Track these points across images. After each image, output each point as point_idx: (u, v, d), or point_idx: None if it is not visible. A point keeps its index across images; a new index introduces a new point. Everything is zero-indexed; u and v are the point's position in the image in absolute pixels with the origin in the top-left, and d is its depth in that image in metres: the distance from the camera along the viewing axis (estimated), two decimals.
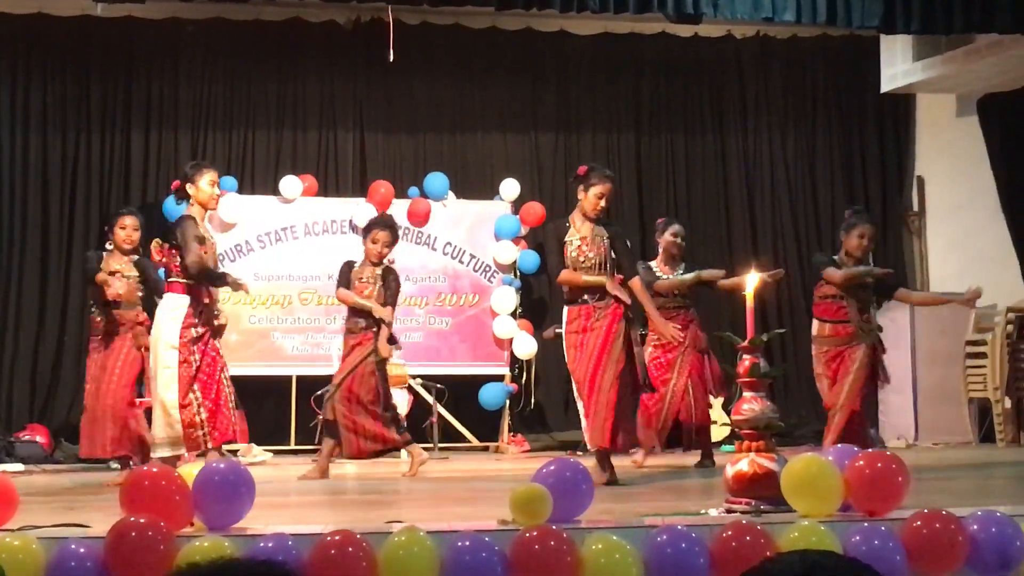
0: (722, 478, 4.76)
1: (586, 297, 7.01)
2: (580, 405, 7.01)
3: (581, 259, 7.01)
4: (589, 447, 7.14)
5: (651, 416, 8.19)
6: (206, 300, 7.09)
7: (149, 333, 7.26)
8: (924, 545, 3.97)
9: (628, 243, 7.37)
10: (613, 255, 7.08)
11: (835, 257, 7.77)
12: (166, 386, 6.97)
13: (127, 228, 7.62)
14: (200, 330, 7.01)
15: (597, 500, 4.34)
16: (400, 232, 10.72)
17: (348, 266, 8.10)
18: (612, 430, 6.84)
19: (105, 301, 7.47)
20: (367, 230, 8.09)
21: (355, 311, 7.90)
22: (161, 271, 7.52)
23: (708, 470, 7.95)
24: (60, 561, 3.63)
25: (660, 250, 8.60)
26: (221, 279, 7.15)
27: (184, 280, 7.04)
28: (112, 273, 7.54)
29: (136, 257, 7.68)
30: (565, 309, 7.11)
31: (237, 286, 7.10)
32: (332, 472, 8.01)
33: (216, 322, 7.20)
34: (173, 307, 7.01)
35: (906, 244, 11.91)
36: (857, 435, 7.27)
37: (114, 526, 3.69)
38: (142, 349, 7.43)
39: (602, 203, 7.09)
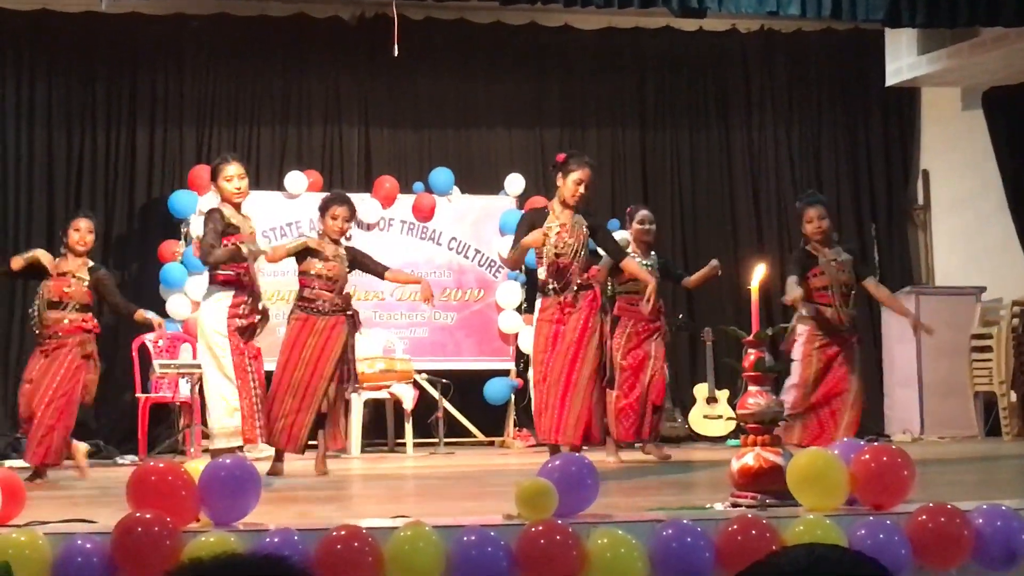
0: (727, 472, 4.77)
1: (552, 287, 7.00)
2: (535, 395, 7.03)
3: (560, 246, 7.01)
4: (551, 440, 7.01)
5: (630, 411, 8.17)
6: (248, 295, 7.15)
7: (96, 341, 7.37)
8: (929, 539, 3.97)
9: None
10: (592, 245, 7.09)
11: (807, 248, 7.60)
12: (223, 375, 7.01)
13: (81, 231, 7.47)
14: (244, 322, 7.06)
15: (602, 494, 4.34)
16: (405, 227, 10.79)
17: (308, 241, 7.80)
18: (586, 428, 6.88)
19: (50, 302, 7.41)
20: (324, 208, 7.62)
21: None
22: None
23: (713, 465, 7.94)
24: (67, 556, 3.64)
25: (631, 239, 8.54)
26: (235, 253, 7.06)
27: (225, 272, 7.10)
28: (63, 275, 7.46)
29: (92, 263, 7.60)
30: (539, 299, 7.13)
31: (252, 254, 7.13)
32: (337, 467, 8.02)
33: (257, 317, 7.24)
34: (217, 298, 7.11)
35: (911, 237, 11.90)
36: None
37: (120, 521, 3.70)
38: (90, 359, 7.38)
39: (581, 189, 7.07)
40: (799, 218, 7.66)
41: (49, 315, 7.43)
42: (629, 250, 8.22)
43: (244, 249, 7.07)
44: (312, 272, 7.46)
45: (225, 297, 7.08)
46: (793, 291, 7.18)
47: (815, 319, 7.45)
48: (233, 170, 7.14)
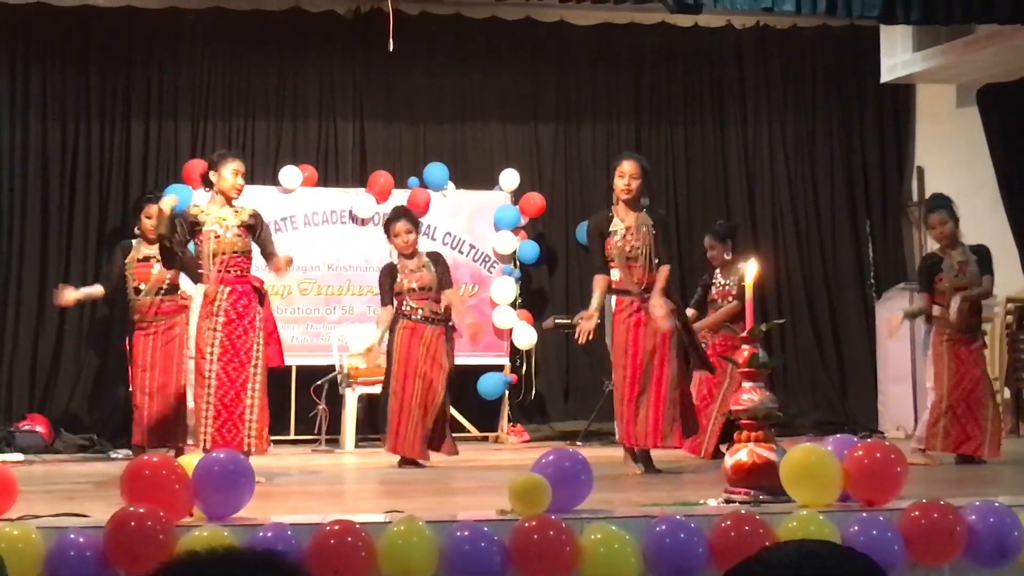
0: (721, 468, 4.77)
1: (628, 288, 7.03)
2: (618, 397, 7.02)
3: (628, 249, 7.02)
4: (649, 445, 7.03)
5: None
6: (216, 290, 6.85)
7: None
8: (922, 535, 3.97)
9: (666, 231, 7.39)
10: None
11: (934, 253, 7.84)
12: (190, 377, 7.11)
13: (153, 216, 7.61)
14: (216, 320, 6.83)
15: (596, 490, 4.35)
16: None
17: (388, 270, 8.10)
18: (680, 426, 7.00)
19: (136, 288, 7.83)
20: (386, 230, 8.14)
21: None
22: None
23: (706, 461, 7.94)
24: (59, 550, 3.63)
25: None
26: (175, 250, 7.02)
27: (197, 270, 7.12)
28: (145, 260, 7.92)
29: None
30: (613, 297, 7.14)
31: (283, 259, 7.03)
32: (330, 462, 8.02)
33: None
34: (195, 298, 7.15)
35: (906, 234, 11.90)
36: None
37: (113, 515, 3.70)
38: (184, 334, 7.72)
39: (623, 182, 7.06)
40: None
41: (142, 300, 7.92)
42: None
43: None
44: (403, 291, 7.92)
45: (196, 296, 7.14)
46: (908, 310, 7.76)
47: (938, 319, 7.63)
48: (238, 165, 7.10)
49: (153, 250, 7.83)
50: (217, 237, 6.84)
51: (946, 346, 7.59)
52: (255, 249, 7.03)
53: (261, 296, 6.94)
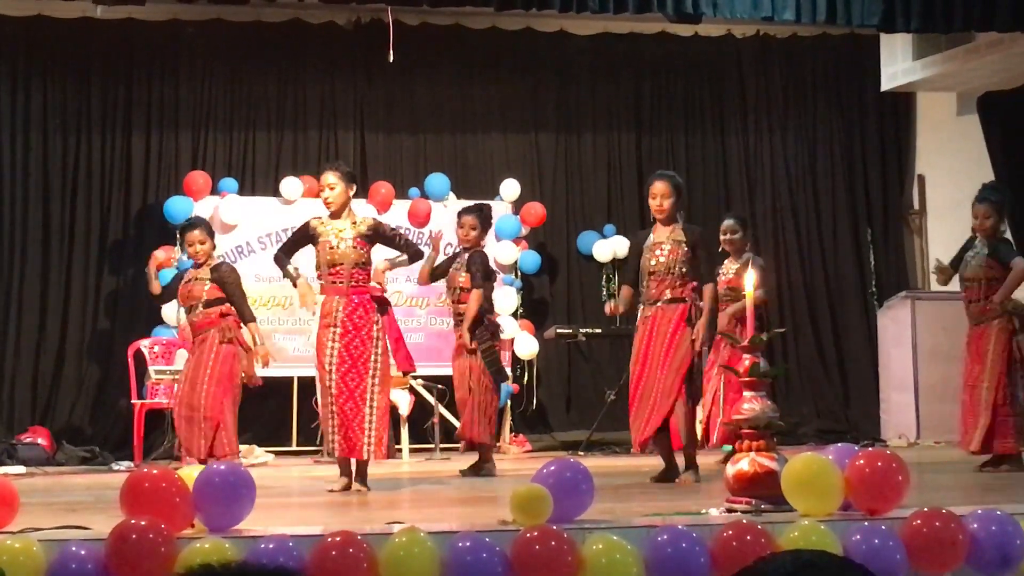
0: (723, 478, 4.77)
1: (647, 300, 7.08)
2: (631, 402, 7.10)
3: (652, 262, 7.07)
4: (638, 449, 7.22)
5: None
6: (332, 301, 7.00)
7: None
8: (924, 544, 3.97)
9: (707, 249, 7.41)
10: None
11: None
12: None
13: (193, 244, 7.88)
14: (334, 331, 6.90)
15: (597, 500, 4.35)
16: (416, 230, 10.74)
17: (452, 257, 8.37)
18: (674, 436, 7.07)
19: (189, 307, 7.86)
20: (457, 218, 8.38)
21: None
22: None
23: (708, 471, 7.94)
24: (61, 563, 3.63)
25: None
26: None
27: None
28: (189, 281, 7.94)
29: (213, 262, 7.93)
30: (640, 308, 7.21)
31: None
32: (331, 473, 8.01)
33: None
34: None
35: (907, 242, 11.90)
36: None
37: (115, 528, 3.70)
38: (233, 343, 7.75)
39: (656, 203, 7.16)
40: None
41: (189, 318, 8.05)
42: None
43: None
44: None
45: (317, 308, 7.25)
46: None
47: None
48: (324, 177, 7.04)
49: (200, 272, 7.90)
50: (331, 248, 6.85)
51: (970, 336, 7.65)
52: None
53: (382, 305, 6.94)
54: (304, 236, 7.03)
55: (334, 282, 6.82)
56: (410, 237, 8.16)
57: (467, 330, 7.95)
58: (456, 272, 8.10)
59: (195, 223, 8.08)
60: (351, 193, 6.97)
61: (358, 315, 6.77)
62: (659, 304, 7.03)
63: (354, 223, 6.91)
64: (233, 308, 7.75)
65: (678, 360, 6.96)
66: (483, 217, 8.26)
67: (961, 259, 7.71)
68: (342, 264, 6.80)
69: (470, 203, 10.95)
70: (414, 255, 7.18)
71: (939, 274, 7.84)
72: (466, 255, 8.11)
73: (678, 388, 6.94)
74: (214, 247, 8.00)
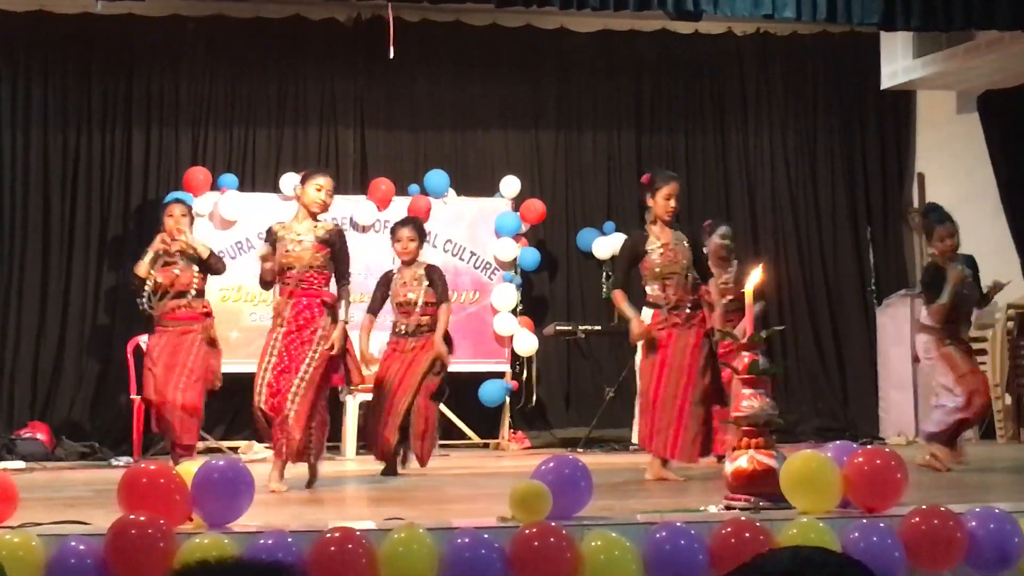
0: (722, 475, 4.77)
1: (663, 304, 7.05)
2: (643, 410, 7.07)
3: (668, 265, 7.05)
4: (667, 456, 7.08)
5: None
6: (285, 302, 7.03)
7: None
8: (923, 541, 3.97)
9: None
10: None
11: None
12: None
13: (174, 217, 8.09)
14: (279, 331, 6.93)
15: (596, 497, 4.35)
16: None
17: (384, 278, 8.14)
18: (702, 444, 7.04)
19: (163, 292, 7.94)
20: (392, 233, 8.15)
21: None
22: None
23: (707, 468, 7.94)
24: (60, 558, 3.64)
25: (709, 253, 8.51)
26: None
27: None
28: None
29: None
30: (650, 311, 7.13)
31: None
32: (331, 469, 8.02)
33: None
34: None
35: (906, 241, 11.90)
36: None
37: (114, 523, 3.70)
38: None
39: (671, 203, 7.15)
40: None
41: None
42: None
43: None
44: (393, 302, 8.05)
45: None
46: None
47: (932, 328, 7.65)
48: (323, 182, 7.09)
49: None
50: (287, 252, 6.89)
51: (952, 347, 7.58)
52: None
53: (332, 311, 6.91)
54: (272, 242, 7.02)
55: (286, 283, 6.91)
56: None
57: (442, 342, 7.88)
58: (405, 287, 7.94)
59: (181, 200, 8.30)
60: (328, 205, 7.12)
61: (304, 316, 6.79)
62: (682, 311, 7.03)
63: (315, 227, 6.97)
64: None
65: (708, 376, 7.00)
66: (419, 229, 8.17)
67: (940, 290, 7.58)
68: (294, 268, 6.86)
69: (469, 200, 11.05)
70: (344, 285, 7.08)
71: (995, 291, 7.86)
72: (417, 269, 7.98)
73: (711, 399, 7.00)
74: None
